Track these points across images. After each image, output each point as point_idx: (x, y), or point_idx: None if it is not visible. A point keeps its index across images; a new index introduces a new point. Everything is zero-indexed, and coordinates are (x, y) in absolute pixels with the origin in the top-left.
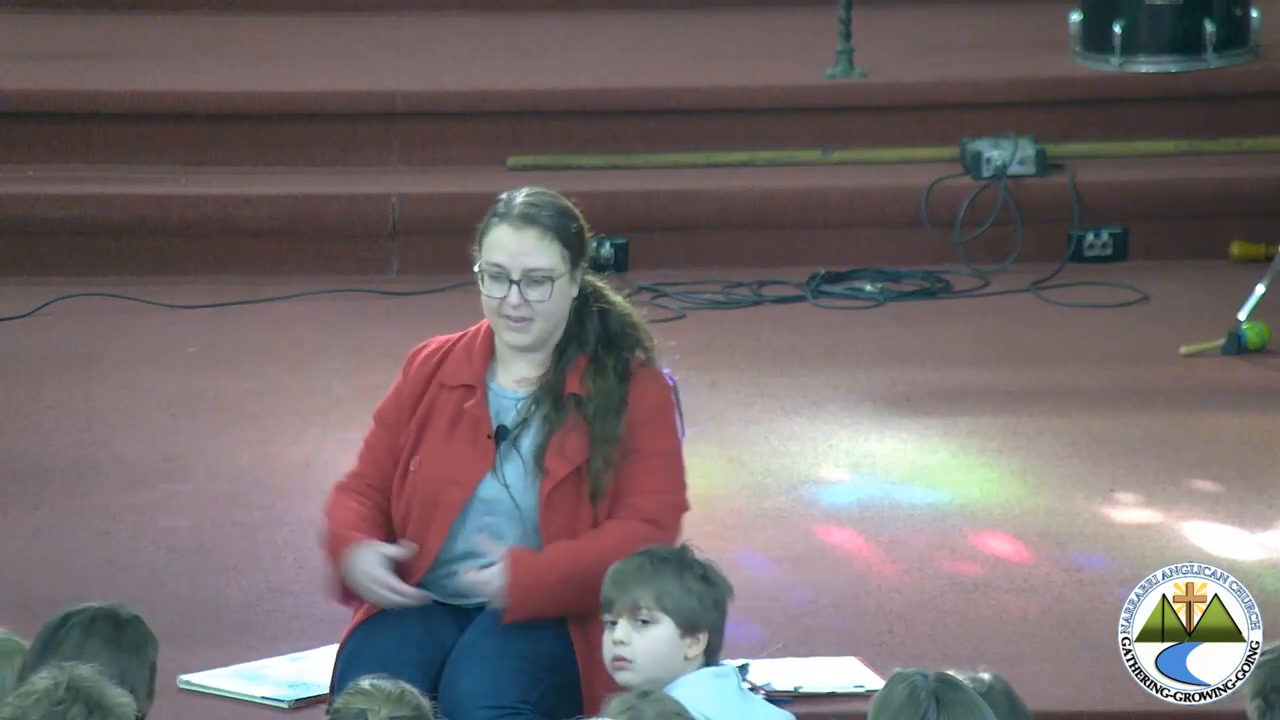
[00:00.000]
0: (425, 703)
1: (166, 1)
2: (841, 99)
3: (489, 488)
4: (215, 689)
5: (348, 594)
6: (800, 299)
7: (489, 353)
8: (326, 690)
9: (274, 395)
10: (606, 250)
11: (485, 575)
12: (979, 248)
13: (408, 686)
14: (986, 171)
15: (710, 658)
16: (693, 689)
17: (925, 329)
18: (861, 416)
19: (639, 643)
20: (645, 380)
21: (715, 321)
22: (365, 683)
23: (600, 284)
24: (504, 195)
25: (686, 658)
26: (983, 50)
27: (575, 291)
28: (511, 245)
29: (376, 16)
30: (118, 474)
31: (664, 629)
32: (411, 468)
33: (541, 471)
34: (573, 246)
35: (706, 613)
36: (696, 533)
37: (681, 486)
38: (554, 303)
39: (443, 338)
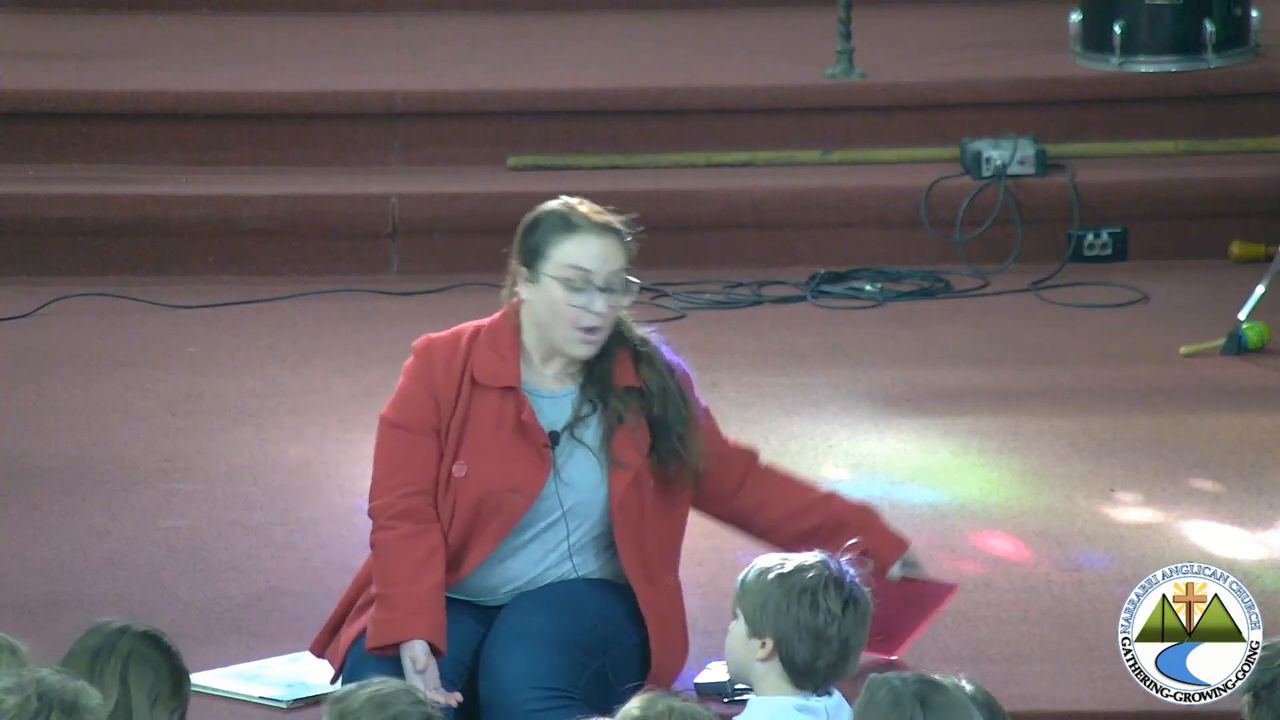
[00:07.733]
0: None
1: (166, 1)
2: (841, 99)
3: (547, 493)
4: (214, 689)
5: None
6: (800, 299)
7: (518, 353)
8: (325, 690)
9: (274, 395)
10: None
11: None
12: (979, 248)
13: (400, 685)
14: (986, 171)
15: (803, 679)
16: (762, 713)
17: (925, 329)
18: (861, 416)
19: (730, 634)
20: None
21: (715, 321)
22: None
23: None
24: (556, 206)
25: (756, 658)
26: (983, 50)
27: None
28: (599, 253)
29: (376, 16)
30: (118, 474)
31: (738, 625)
32: (455, 473)
33: (615, 465)
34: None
35: (767, 621)
36: (698, 532)
37: None
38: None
39: (447, 334)
